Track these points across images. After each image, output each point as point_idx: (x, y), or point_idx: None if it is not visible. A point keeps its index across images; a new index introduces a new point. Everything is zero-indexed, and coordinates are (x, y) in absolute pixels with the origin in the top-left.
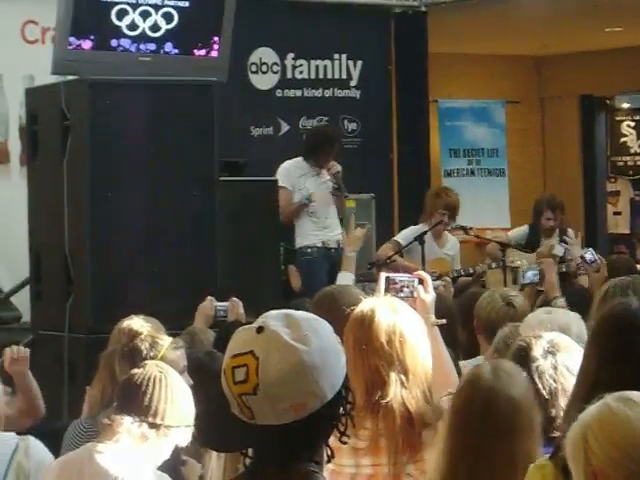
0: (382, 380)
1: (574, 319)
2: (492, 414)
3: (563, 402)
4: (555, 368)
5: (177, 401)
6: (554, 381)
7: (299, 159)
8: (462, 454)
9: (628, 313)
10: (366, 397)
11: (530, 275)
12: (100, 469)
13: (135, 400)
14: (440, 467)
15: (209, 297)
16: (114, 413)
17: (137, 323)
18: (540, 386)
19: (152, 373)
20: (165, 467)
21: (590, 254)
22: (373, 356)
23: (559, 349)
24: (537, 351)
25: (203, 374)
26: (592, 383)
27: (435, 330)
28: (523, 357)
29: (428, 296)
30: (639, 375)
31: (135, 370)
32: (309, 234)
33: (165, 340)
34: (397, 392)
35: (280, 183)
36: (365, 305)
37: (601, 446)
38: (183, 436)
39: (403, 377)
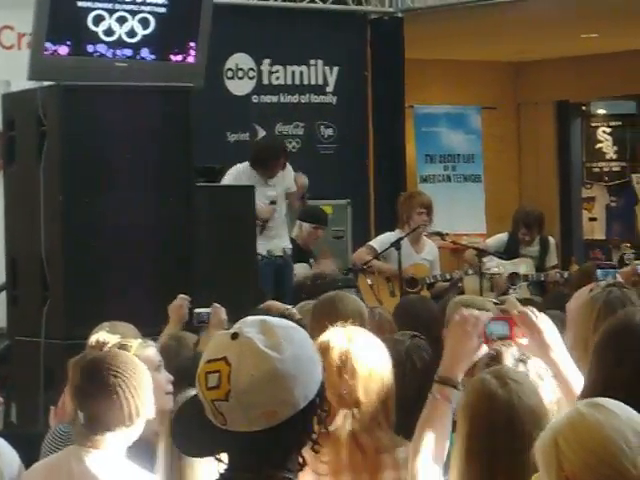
0: (334, 411)
1: None
2: (516, 426)
3: None
4: (527, 377)
5: (142, 391)
6: None
7: (247, 165)
8: (493, 467)
9: (628, 324)
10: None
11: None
12: (89, 473)
13: (106, 413)
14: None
15: (180, 295)
16: (91, 431)
17: (103, 335)
18: None
19: (108, 379)
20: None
21: None
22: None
23: (529, 356)
24: (508, 360)
25: None
26: (590, 392)
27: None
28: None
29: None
30: (632, 381)
31: (89, 380)
32: (261, 241)
33: (133, 342)
34: (345, 424)
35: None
36: (324, 335)
37: (573, 450)
38: (150, 412)
39: (354, 409)
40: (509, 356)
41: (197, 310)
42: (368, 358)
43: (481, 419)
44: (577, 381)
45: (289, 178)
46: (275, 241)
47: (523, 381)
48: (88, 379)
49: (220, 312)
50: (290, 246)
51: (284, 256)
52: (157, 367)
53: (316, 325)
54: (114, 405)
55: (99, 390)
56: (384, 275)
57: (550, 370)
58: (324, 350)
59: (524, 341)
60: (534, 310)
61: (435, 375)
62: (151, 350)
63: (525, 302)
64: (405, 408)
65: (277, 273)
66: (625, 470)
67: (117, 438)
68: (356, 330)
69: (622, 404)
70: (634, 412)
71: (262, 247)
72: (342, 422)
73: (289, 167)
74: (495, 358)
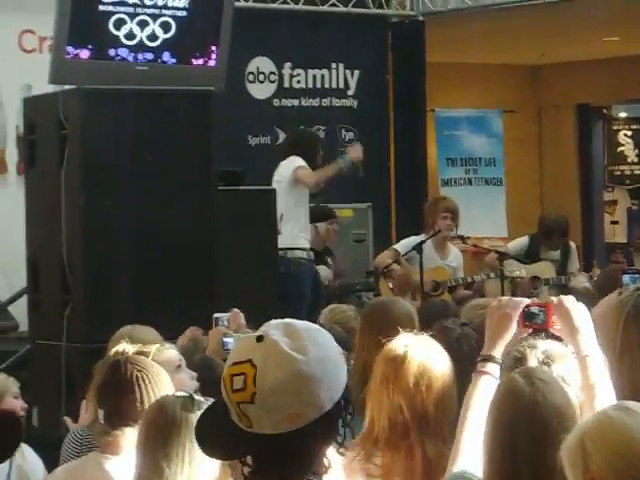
0: (404, 421)
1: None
2: (538, 424)
3: None
4: (554, 377)
5: (164, 392)
6: None
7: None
8: (517, 465)
9: None
10: (388, 434)
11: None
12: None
13: (127, 407)
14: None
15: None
16: (110, 426)
17: (122, 346)
18: None
19: (132, 373)
20: None
21: None
22: (398, 395)
23: (554, 359)
24: (532, 362)
25: None
26: None
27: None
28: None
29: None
30: None
31: (113, 374)
32: (301, 236)
33: (151, 348)
34: (418, 436)
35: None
36: (399, 341)
37: (600, 453)
38: None
39: (424, 422)
40: (533, 358)
41: (216, 315)
42: (443, 372)
43: (506, 415)
44: (597, 366)
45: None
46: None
47: (550, 380)
48: (112, 374)
49: (239, 317)
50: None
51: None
52: (177, 367)
53: (367, 329)
54: (135, 398)
55: (122, 383)
56: (400, 277)
57: (575, 351)
58: (401, 359)
59: (558, 327)
60: (572, 298)
61: (478, 357)
62: (170, 352)
63: None
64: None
65: (315, 277)
66: None
67: (135, 437)
68: (430, 341)
69: None
70: None
71: (307, 242)
72: (415, 432)
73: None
74: (520, 360)
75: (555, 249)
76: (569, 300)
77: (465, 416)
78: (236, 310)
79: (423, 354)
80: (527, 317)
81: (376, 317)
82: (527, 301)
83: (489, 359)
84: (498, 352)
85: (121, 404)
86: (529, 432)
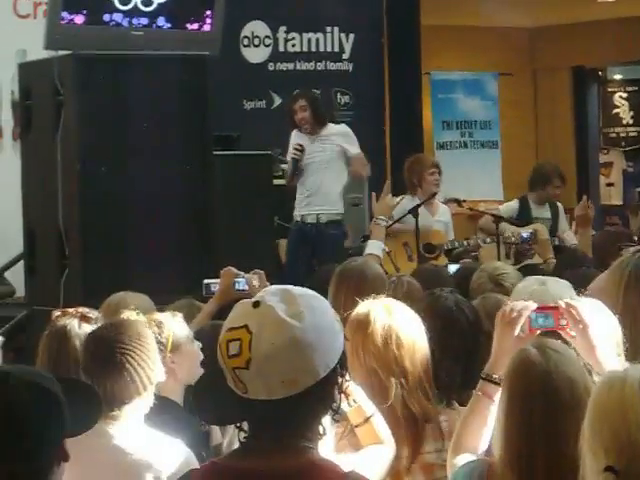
0: (381, 383)
1: (566, 289)
2: (552, 396)
3: None
4: (567, 348)
5: (152, 361)
6: None
7: (293, 132)
8: (533, 437)
9: None
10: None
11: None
12: (112, 445)
13: (121, 391)
14: (511, 453)
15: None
16: (106, 408)
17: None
18: None
19: (115, 358)
20: (189, 433)
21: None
22: (371, 359)
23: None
24: None
25: None
26: None
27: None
28: None
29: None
30: None
31: (96, 360)
32: (296, 207)
33: (165, 319)
34: (397, 394)
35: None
36: (360, 308)
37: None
38: (161, 375)
39: (403, 379)
40: None
41: (206, 281)
42: (411, 329)
43: (520, 386)
44: None
45: (339, 137)
46: (308, 207)
47: (563, 351)
48: (93, 359)
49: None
50: (333, 211)
51: (318, 224)
52: (187, 339)
53: (342, 290)
54: (126, 381)
55: (108, 369)
56: (403, 239)
57: (595, 369)
58: (365, 323)
59: (573, 333)
60: (586, 304)
61: (482, 372)
62: (184, 325)
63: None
64: (463, 360)
65: (307, 242)
66: None
67: (133, 408)
68: (393, 302)
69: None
70: None
71: (296, 211)
72: (394, 392)
73: (340, 127)
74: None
75: (552, 197)
76: (583, 309)
77: (460, 442)
78: (258, 271)
79: (386, 314)
80: (533, 321)
81: (352, 279)
82: (533, 306)
83: (489, 379)
84: (499, 371)
85: (113, 388)
86: (543, 402)
